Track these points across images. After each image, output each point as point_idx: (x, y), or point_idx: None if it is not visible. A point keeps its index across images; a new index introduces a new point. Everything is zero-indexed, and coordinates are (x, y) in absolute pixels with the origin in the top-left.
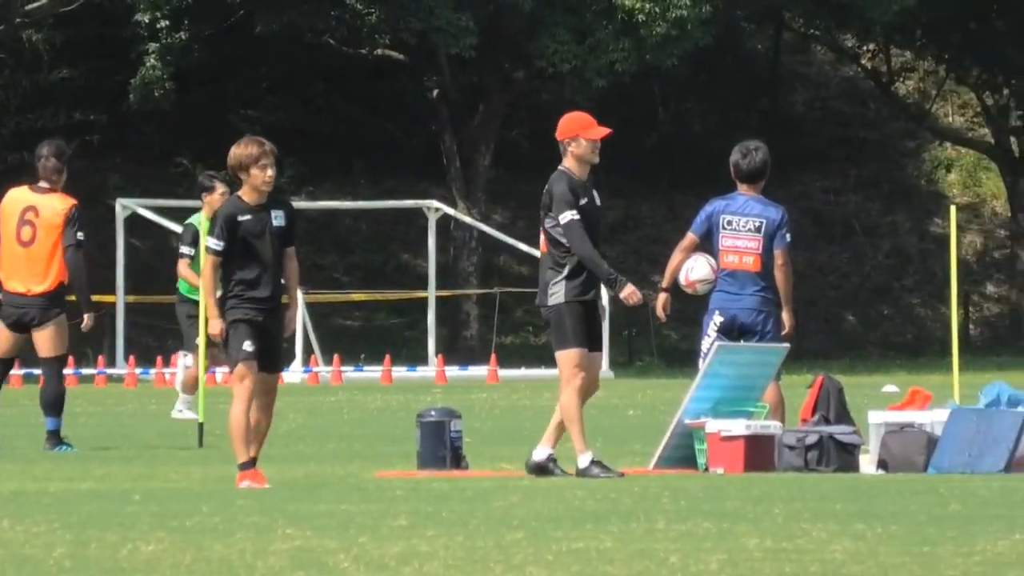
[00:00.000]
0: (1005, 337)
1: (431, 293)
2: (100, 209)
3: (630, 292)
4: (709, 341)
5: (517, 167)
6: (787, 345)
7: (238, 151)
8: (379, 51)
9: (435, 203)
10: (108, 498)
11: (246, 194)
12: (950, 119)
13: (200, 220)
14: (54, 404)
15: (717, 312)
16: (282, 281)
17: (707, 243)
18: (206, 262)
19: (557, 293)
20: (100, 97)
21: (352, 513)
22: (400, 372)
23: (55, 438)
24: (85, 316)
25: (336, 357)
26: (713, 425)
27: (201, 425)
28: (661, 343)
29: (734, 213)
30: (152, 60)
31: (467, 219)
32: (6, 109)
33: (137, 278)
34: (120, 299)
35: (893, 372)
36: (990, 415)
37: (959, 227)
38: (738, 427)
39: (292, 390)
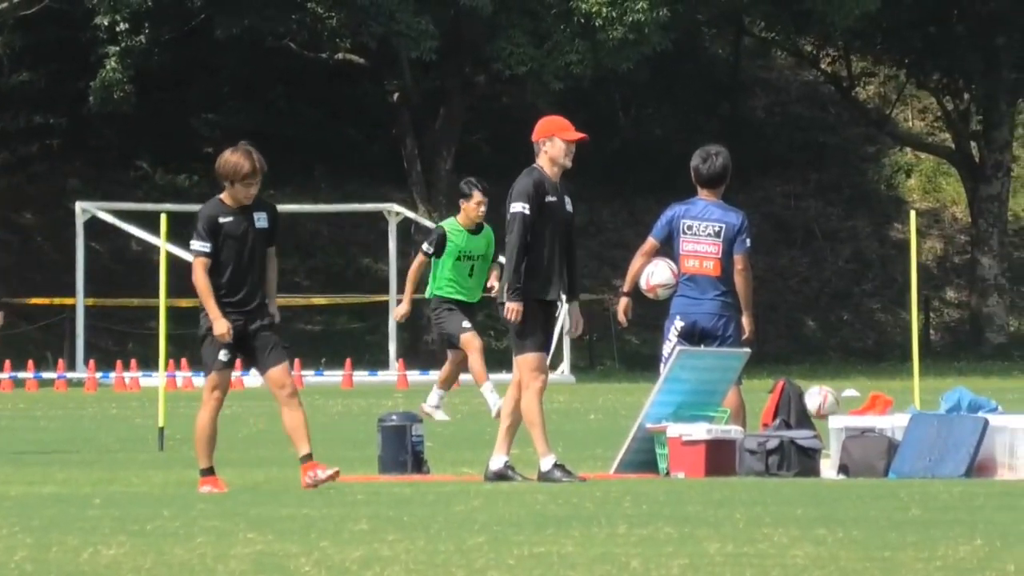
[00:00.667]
0: (965, 342)
1: (392, 297)
2: (60, 212)
3: (512, 309)
4: (670, 346)
5: (478, 171)
6: (748, 350)
7: (231, 161)
8: (340, 55)
9: (396, 207)
10: (69, 502)
11: (227, 198)
12: (910, 124)
13: (451, 225)
14: None
15: (678, 317)
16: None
17: (668, 248)
18: (196, 265)
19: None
20: (60, 101)
21: (313, 517)
22: (361, 376)
23: None
24: None
25: (297, 362)
26: (674, 429)
27: (161, 429)
28: (622, 348)
29: (694, 218)
30: (112, 63)
31: (428, 223)
32: None
33: (97, 282)
34: (80, 303)
35: (853, 377)
36: (951, 420)
37: (919, 232)
38: (699, 431)
39: (252, 395)
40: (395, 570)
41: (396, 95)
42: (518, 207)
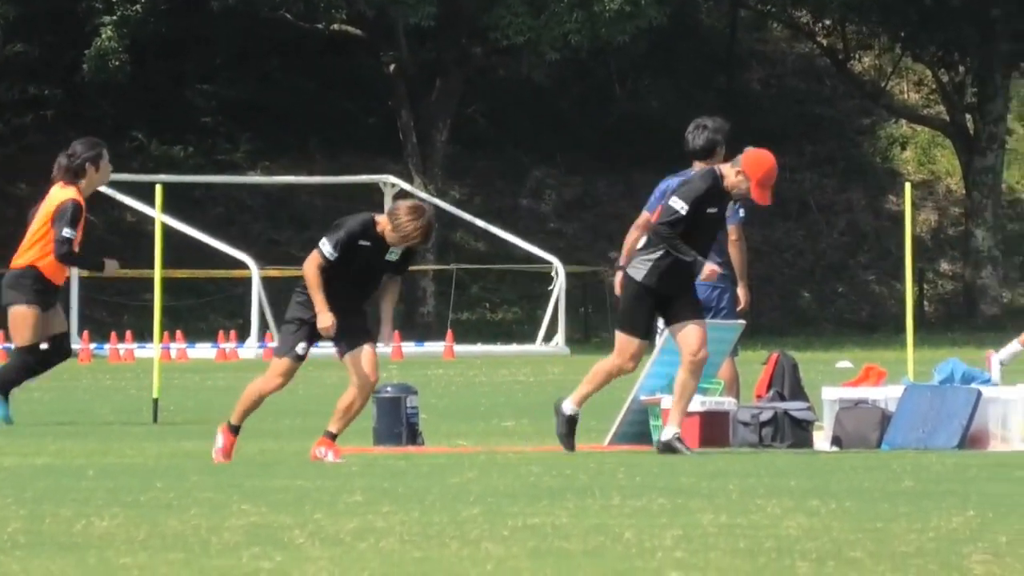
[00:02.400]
0: (959, 314)
1: None
2: None
3: (709, 271)
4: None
5: (474, 143)
6: (743, 321)
7: (409, 226)
8: (336, 26)
9: (391, 179)
10: (62, 473)
11: (382, 225)
12: (905, 96)
13: None
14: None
15: None
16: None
17: None
18: (313, 259)
19: (639, 268)
20: (55, 72)
21: (308, 489)
22: None
23: None
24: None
25: None
26: (668, 401)
27: (155, 401)
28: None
29: None
30: (108, 31)
31: (423, 195)
32: None
33: (91, 253)
34: (75, 274)
35: (847, 348)
36: (944, 391)
37: (914, 204)
38: (693, 403)
39: (247, 366)
40: (389, 541)
41: (392, 66)
42: (678, 204)
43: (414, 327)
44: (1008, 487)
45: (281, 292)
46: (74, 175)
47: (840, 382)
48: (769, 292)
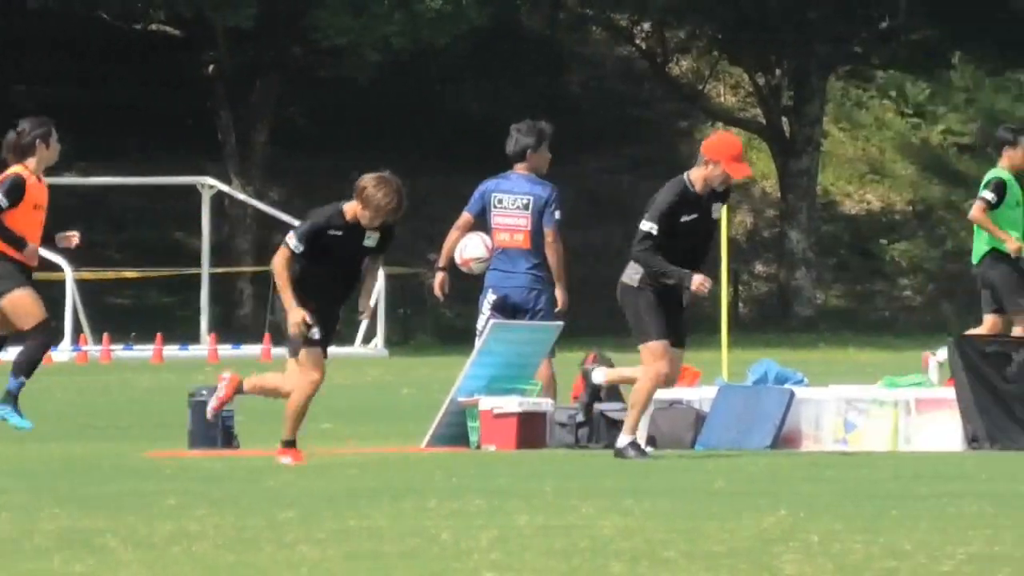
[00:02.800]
0: (773, 315)
1: (204, 271)
2: None
3: (698, 283)
4: (484, 319)
5: (294, 145)
6: (561, 323)
7: (377, 196)
8: (154, 26)
9: (209, 180)
10: None
11: (349, 212)
12: (723, 99)
13: (998, 174)
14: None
15: (491, 290)
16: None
17: (483, 222)
18: (281, 255)
19: (634, 275)
20: None
21: (121, 493)
22: (172, 351)
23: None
24: None
25: (106, 336)
26: (486, 403)
27: None
28: (437, 321)
29: (505, 191)
30: None
31: (241, 196)
32: None
33: None
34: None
35: None
36: (757, 392)
37: (730, 207)
38: (511, 404)
39: (60, 369)
40: (203, 545)
41: (211, 67)
42: (647, 226)
43: (231, 329)
44: (820, 487)
45: (95, 294)
46: (22, 153)
47: None
48: (587, 294)
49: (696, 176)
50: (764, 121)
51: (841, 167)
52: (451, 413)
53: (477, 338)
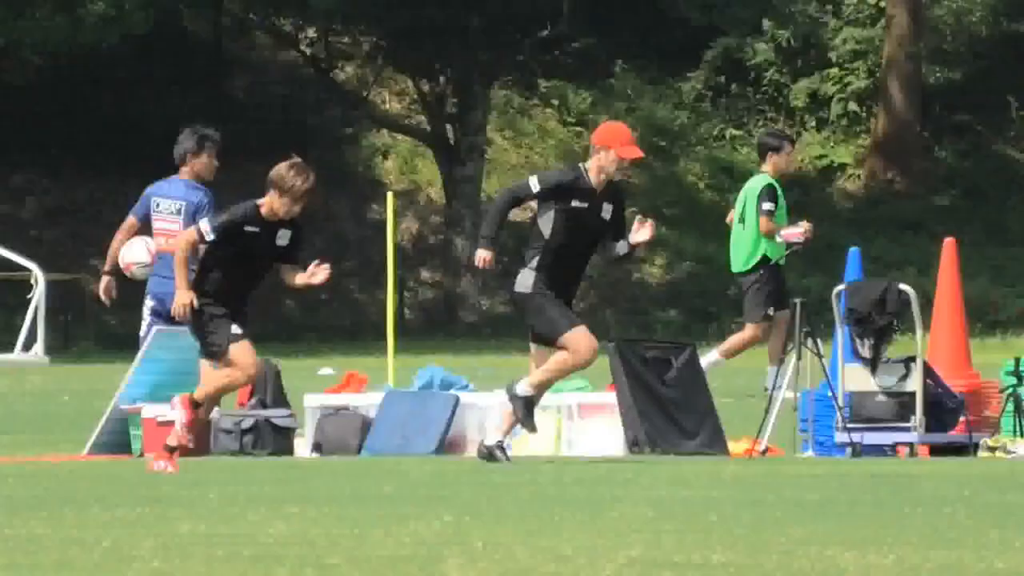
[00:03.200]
0: (439, 321)
1: None
2: None
3: (480, 257)
4: (145, 325)
5: None
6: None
7: (289, 177)
8: None
9: None
10: None
11: (265, 208)
12: (388, 106)
13: (767, 180)
14: None
15: (150, 296)
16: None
17: (148, 226)
18: (188, 236)
19: (526, 281)
20: None
21: None
22: None
23: None
24: None
25: None
26: (149, 410)
27: None
28: (100, 328)
29: (163, 196)
30: None
31: None
32: None
33: None
34: None
35: (330, 356)
36: (424, 397)
37: (396, 213)
38: (172, 413)
39: None
40: None
41: None
42: (532, 180)
43: None
44: (484, 492)
45: None
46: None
47: (322, 389)
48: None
49: (591, 166)
50: (429, 128)
51: (505, 174)
52: (113, 421)
53: (141, 345)
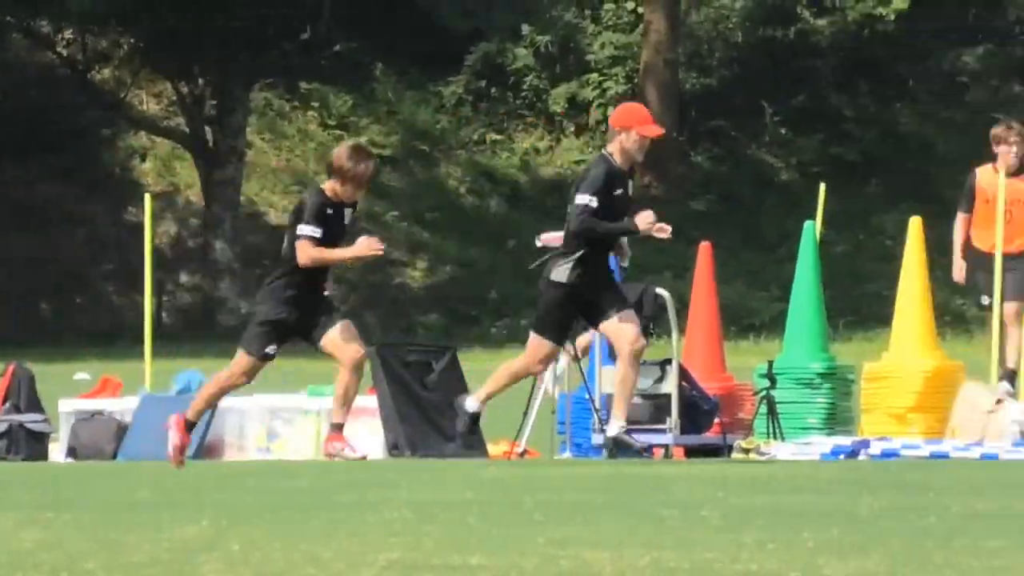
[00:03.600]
0: (198, 325)
1: None
2: None
3: (648, 222)
4: None
5: None
6: None
7: (353, 166)
8: None
9: None
10: None
11: (330, 191)
12: (146, 108)
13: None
14: None
15: None
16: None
17: None
18: (304, 246)
19: (561, 271)
20: None
21: None
22: None
23: None
24: None
25: None
26: None
27: None
28: None
29: None
30: None
31: None
32: None
33: None
34: None
35: (87, 360)
36: (181, 402)
37: (154, 216)
38: None
39: None
40: None
41: None
42: (585, 199)
43: None
44: (242, 496)
45: None
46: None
47: (77, 394)
48: (6, 304)
49: (614, 150)
50: (188, 130)
51: (265, 178)
52: None
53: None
